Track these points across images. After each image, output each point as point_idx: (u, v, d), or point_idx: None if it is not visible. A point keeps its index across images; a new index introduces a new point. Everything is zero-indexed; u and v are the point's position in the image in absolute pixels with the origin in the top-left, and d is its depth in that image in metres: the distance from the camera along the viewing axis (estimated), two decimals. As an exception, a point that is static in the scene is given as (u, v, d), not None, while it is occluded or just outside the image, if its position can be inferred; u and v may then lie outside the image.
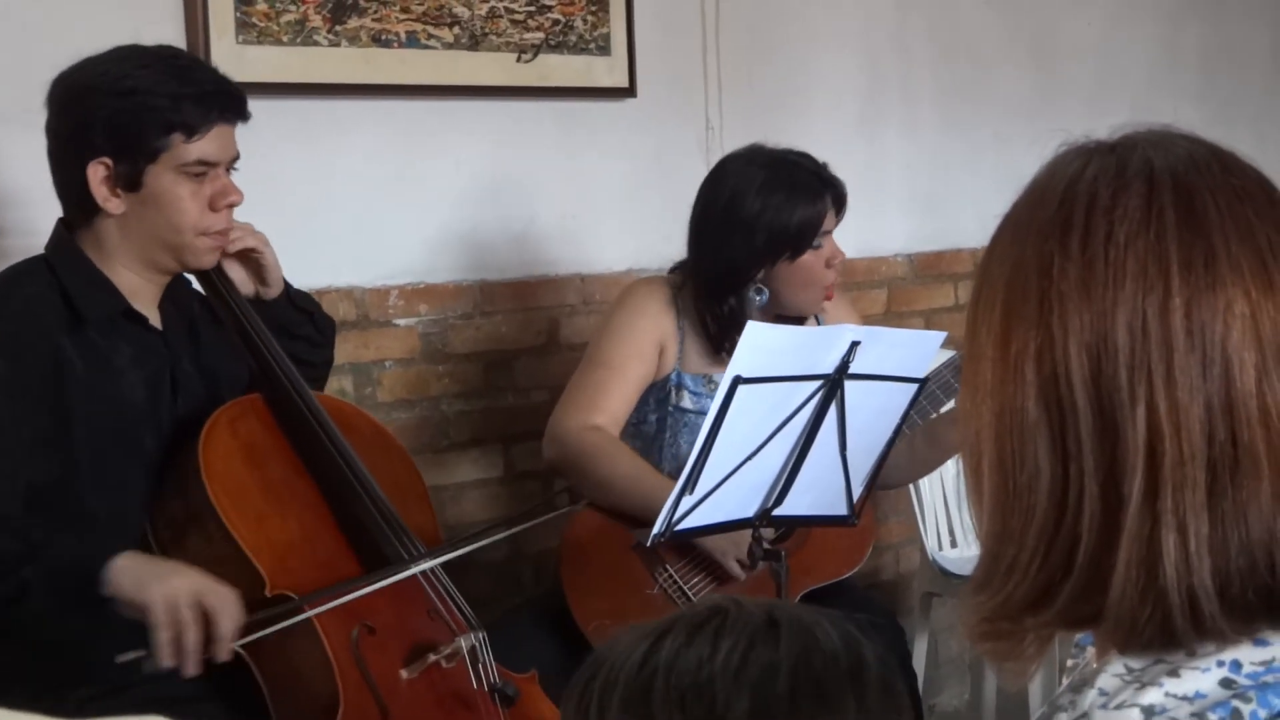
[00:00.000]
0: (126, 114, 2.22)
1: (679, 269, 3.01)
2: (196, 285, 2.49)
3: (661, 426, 2.93)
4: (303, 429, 2.38)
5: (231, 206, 2.32)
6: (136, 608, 2.08)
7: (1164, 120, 1.09)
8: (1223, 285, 0.98)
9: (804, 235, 2.82)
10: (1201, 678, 0.98)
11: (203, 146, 2.26)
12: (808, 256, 2.84)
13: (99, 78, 2.24)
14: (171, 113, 2.23)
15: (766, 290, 2.86)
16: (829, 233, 2.87)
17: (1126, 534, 0.98)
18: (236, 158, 2.33)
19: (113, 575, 2.08)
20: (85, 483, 2.22)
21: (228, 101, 2.29)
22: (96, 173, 2.23)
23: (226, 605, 2.10)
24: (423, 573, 2.33)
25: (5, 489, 2.16)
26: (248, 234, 2.42)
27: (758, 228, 2.81)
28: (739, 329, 2.83)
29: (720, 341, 2.89)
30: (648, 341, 2.90)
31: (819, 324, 3.03)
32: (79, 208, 2.28)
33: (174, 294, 2.41)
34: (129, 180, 2.24)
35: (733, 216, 2.83)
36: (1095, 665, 1.05)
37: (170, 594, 2.07)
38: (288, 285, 2.54)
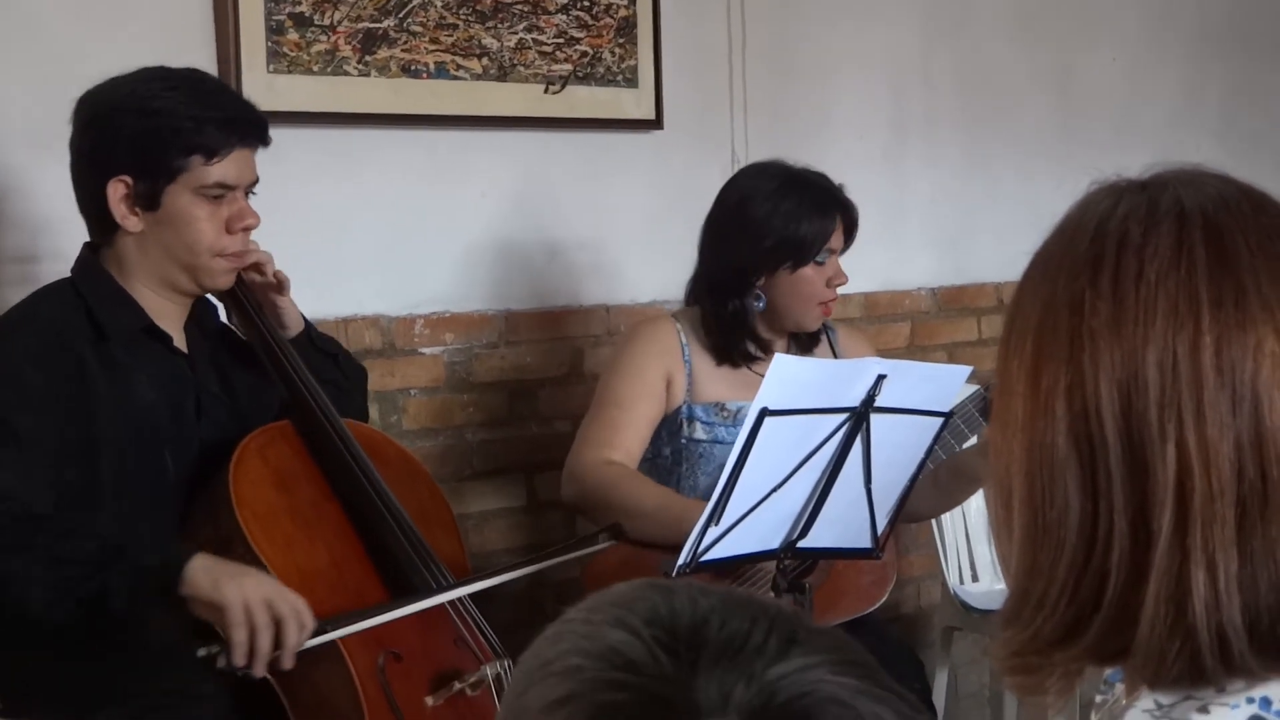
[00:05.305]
0: (149, 134, 2.24)
1: (690, 286, 3.02)
2: (224, 317, 2.52)
3: (677, 459, 2.92)
4: (332, 456, 2.39)
5: (248, 229, 2.33)
6: (212, 607, 2.09)
7: (1187, 156, 1.10)
8: (1253, 323, 0.99)
9: (809, 246, 2.84)
10: (1231, 714, 0.98)
11: (222, 169, 2.27)
12: (809, 270, 2.85)
13: (124, 97, 2.26)
14: (193, 134, 2.25)
15: (765, 297, 2.88)
16: (835, 252, 2.87)
17: (1156, 570, 0.98)
18: (255, 182, 2.35)
19: (189, 575, 2.09)
20: (106, 497, 2.22)
21: (249, 127, 2.32)
22: (116, 190, 2.25)
23: (297, 613, 2.12)
24: (450, 601, 2.33)
25: (49, 498, 2.16)
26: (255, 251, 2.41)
27: (765, 232, 2.83)
28: (742, 333, 2.89)
29: (725, 348, 2.90)
30: (655, 378, 2.91)
31: (830, 342, 3.04)
32: (99, 225, 2.30)
33: (200, 319, 2.43)
34: (148, 199, 2.26)
35: (742, 218, 2.86)
36: (1125, 701, 1.05)
37: (246, 596, 2.09)
38: (309, 325, 2.54)
